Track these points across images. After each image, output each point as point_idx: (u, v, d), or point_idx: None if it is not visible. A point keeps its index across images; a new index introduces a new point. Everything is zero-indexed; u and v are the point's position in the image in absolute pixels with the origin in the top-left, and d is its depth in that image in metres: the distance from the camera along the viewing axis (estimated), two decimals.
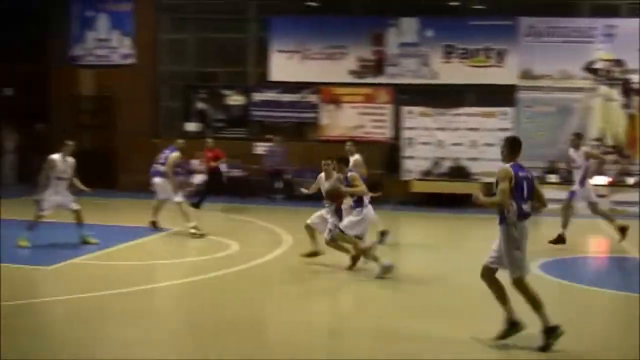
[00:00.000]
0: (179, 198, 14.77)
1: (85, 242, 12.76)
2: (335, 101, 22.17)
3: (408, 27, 22.31)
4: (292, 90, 22.51)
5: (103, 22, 23.74)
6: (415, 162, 21.43)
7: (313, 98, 22.42)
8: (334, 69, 22.61)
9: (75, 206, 12.79)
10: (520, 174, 7.50)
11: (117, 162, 22.59)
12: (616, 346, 7.84)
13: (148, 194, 18.49)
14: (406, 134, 21.62)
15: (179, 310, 9.25)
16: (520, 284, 7.44)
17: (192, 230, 14.12)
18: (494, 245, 7.58)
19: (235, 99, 22.75)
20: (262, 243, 14.04)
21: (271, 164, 20.96)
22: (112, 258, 11.97)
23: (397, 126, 21.82)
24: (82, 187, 13.17)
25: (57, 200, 12.69)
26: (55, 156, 12.66)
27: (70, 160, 12.84)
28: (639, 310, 8.95)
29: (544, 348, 7.34)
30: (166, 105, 23.52)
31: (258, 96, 22.58)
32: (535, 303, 7.41)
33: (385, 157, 21.35)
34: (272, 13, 23.04)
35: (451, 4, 22.01)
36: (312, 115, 22.23)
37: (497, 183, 7.44)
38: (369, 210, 11.19)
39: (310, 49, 22.56)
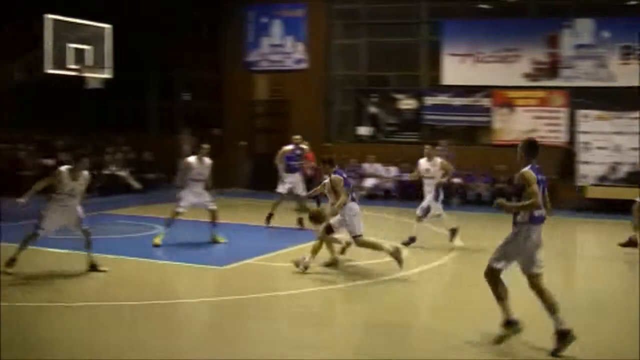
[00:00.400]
0: None
1: (214, 241, 14.89)
2: (509, 105, 24.48)
3: (583, 28, 24.66)
4: (464, 94, 25.60)
5: (277, 28, 26.85)
6: (591, 167, 23.14)
7: (485, 101, 25.28)
8: (507, 72, 25.39)
9: (211, 206, 14.88)
10: (538, 177, 8.19)
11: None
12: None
13: (322, 197, 20.86)
14: (581, 138, 23.49)
15: (349, 313, 10.41)
16: (491, 275, 8.34)
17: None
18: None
19: (407, 103, 25.39)
20: (432, 248, 15.02)
21: None
22: (284, 259, 13.41)
23: (572, 130, 23.45)
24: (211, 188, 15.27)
25: (194, 199, 14.77)
26: (192, 159, 14.85)
27: (207, 162, 14.89)
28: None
29: (500, 340, 8.36)
30: (338, 109, 26.23)
31: (430, 100, 25.51)
32: (499, 297, 8.34)
33: (560, 162, 23.11)
34: (445, 16, 26.34)
35: (628, 3, 23.30)
36: (485, 119, 24.70)
37: (522, 187, 8.14)
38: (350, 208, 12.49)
39: (483, 52, 25.28)
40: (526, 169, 8.21)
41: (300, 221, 17.08)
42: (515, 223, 8.27)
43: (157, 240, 14.43)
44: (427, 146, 15.65)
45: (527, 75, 25.20)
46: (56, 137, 26.75)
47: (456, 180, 23.67)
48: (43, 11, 18.52)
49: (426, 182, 15.35)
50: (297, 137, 18.21)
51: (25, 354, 8.03)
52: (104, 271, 12.13)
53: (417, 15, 26.69)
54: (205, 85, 29.14)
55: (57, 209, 11.89)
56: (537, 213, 8.19)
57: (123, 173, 25.32)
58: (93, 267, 12.17)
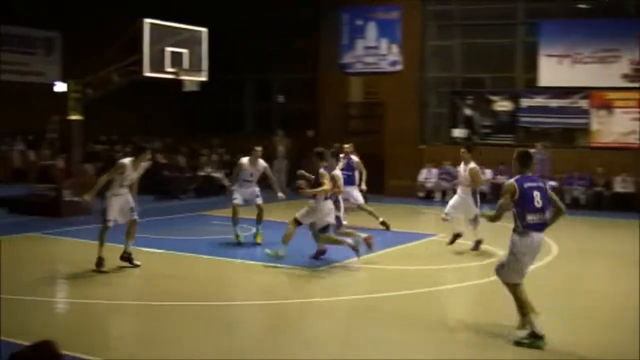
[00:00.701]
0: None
1: (256, 238, 15.42)
2: (607, 106, 24.58)
3: None
4: (561, 96, 25.53)
5: (372, 30, 27.15)
6: None
7: (583, 103, 25.11)
8: (606, 73, 25.12)
9: (259, 201, 15.49)
10: (527, 184, 8.59)
11: (385, 167, 25.25)
12: None
13: (413, 200, 20.97)
14: None
15: (447, 315, 10.47)
16: (509, 287, 8.82)
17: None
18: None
19: (502, 105, 25.50)
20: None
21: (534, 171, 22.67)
22: (382, 262, 13.77)
23: None
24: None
25: (244, 197, 15.51)
26: (244, 160, 15.46)
27: (261, 164, 15.61)
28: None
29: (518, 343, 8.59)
30: (433, 111, 26.29)
31: (525, 102, 25.61)
32: (520, 306, 8.73)
33: None
34: (541, 17, 26.17)
35: None
36: (582, 120, 24.52)
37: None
38: (325, 204, 13.13)
39: (581, 53, 25.30)
40: (511, 180, 8.73)
41: (383, 223, 17.21)
42: (512, 230, 8.74)
43: (259, 239, 15.31)
44: (462, 149, 15.45)
45: (626, 76, 24.91)
46: (152, 139, 27.56)
47: (553, 183, 23.43)
48: (142, 16, 19.02)
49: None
50: (347, 146, 18.34)
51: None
52: (137, 265, 12.73)
53: (513, 16, 26.48)
54: (301, 87, 29.70)
55: (117, 199, 12.50)
56: (530, 220, 8.56)
57: (218, 174, 25.87)
58: (127, 258, 12.77)
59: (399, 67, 27.64)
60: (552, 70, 25.65)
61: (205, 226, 17.96)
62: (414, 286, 11.87)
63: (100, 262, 12.38)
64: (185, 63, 19.75)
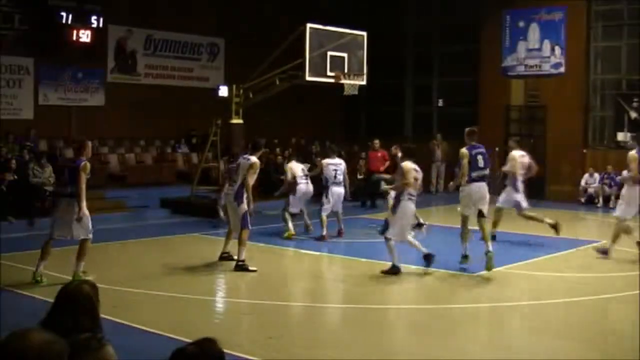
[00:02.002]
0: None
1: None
2: None
3: None
4: None
5: (535, 32, 26.95)
6: None
7: None
8: None
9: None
10: (474, 151, 13.79)
11: (547, 171, 25.10)
12: None
13: (575, 205, 20.79)
14: None
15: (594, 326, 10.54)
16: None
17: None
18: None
19: None
20: None
21: None
22: (539, 268, 14.03)
23: None
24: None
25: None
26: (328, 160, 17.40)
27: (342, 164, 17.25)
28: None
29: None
30: (597, 114, 26.17)
31: None
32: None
33: None
34: None
35: None
36: None
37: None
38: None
39: None
40: (463, 148, 13.90)
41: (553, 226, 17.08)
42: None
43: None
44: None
45: None
46: (311, 142, 28.36)
47: None
48: (302, 20, 19.70)
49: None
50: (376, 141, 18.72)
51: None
52: (234, 260, 13.51)
53: None
54: (461, 90, 30.00)
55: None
56: (475, 175, 13.61)
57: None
58: (228, 256, 13.98)
59: (562, 70, 27.63)
60: None
61: (364, 229, 18.33)
62: (574, 294, 12.03)
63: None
64: (346, 67, 20.24)
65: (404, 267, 13.38)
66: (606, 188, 25.17)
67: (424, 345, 9.21)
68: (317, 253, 15.06)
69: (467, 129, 14.37)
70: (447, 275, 13.24)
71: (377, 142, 24.18)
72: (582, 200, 25.76)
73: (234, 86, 21.49)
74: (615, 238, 14.91)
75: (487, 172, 13.99)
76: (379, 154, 24.10)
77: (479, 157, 13.70)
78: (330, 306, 11.02)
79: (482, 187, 13.71)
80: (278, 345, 8.94)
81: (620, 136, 26.68)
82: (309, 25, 19.84)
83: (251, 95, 21.35)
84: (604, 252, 14.88)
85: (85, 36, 23.59)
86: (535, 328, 10.17)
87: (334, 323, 10.17)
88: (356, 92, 21.33)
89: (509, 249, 16.01)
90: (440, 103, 31.21)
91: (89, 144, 12.88)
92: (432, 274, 13.19)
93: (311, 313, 10.89)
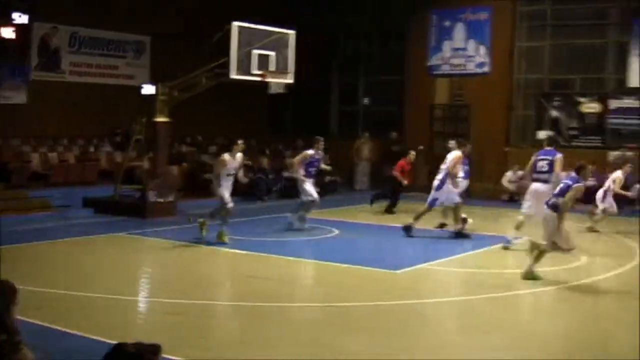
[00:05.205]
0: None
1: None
2: None
3: None
4: None
5: (460, 31, 27.51)
6: None
7: None
8: None
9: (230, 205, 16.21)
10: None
11: (471, 169, 25.51)
12: None
13: (497, 202, 21.28)
14: None
15: (517, 320, 10.78)
16: None
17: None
18: None
19: (590, 107, 25.75)
20: (612, 255, 15.39)
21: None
22: (460, 265, 14.36)
23: None
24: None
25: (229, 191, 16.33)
26: (226, 155, 16.20)
27: (238, 157, 16.42)
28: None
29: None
30: (520, 113, 26.77)
31: (615, 103, 25.46)
32: None
33: None
34: (636, 16, 26.69)
35: None
36: None
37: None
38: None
39: None
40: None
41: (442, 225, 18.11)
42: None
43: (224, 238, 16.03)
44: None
45: None
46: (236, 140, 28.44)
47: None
48: (230, 19, 19.76)
49: None
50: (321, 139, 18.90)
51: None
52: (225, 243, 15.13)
53: (606, 16, 26.96)
54: (387, 89, 30.36)
55: (226, 185, 15.86)
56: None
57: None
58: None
59: (486, 69, 28.32)
60: None
61: (288, 227, 18.48)
62: (491, 290, 12.19)
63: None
64: (272, 65, 20.42)
65: (324, 264, 13.81)
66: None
67: (353, 343, 9.22)
68: (244, 252, 15.13)
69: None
70: (368, 272, 13.41)
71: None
72: (505, 197, 26.32)
73: (160, 84, 21.50)
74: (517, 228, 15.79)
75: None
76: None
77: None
78: (257, 305, 11.05)
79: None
80: (205, 344, 9.01)
81: (541, 135, 27.36)
82: (235, 23, 19.97)
83: (177, 94, 21.36)
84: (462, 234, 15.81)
85: (8, 32, 23.37)
86: (462, 324, 10.43)
87: (261, 321, 10.24)
88: (282, 91, 21.53)
89: (432, 246, 16.60)
90: (366, 102, 31.57)
91: None
92: (355, 271, 13.46)
93: (238, 312, 10.95)
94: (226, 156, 16.10)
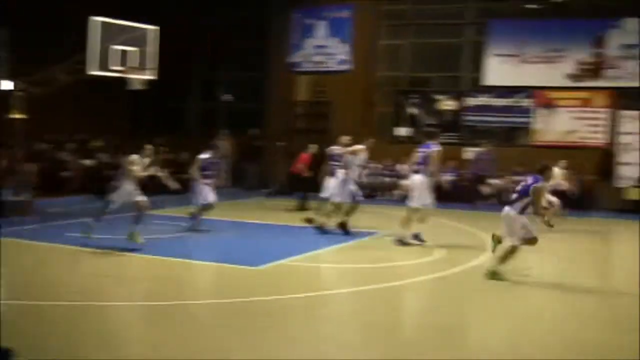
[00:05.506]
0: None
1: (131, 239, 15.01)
2: (550, 105, 25.28)
3: (631, 28, 25.58)
4: (505, 95, 26.74)
5: (322, 29, 27.75)
6: (631, 168, 23.29)
7: (527, 102, 25.60)
8: (551, 73, 26.97)
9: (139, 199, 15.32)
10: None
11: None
12: None
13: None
14: (623, 139, 23.53)
15: (372, 314, 10.52)
16: None
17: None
18: None
19: (447, 104, 26.44)
20: (466, 249, 15.70)
21: (477, 169, 23.64)
22: (319, 260, 14.34)
23: (613, 131, 23.75)
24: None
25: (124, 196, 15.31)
26: (135, 157, 15.45)
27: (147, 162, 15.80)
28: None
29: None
30: (380, 110, 27.11)
31: (471, 101, 26.53)
32: None
33: (599, 163, 23.47)
34: (491, 16, 27.93)
35: None
36: (525, 119, 25.18)
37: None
38: None
39: (528, 53, 25.70)
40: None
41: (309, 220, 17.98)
42: None
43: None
44: None
45: (571, 76, 26.34)
46: (96, 137, 28.06)
47: (495, 181, 24.49)
48: (92, 13, 19.46)
49: None
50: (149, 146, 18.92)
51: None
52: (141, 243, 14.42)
53: (463, 16, 27.69)
54: (248, 86, 30.52)
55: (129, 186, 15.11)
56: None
57: (161, 173, 26.26)
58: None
59: (347, 66, 28.64)
60: (498, 70, 27.36)
61: (147, 225, 18.32)
62: (357, 284, 12.29)
63: None
64: (133, 61, 20.22)
65: (197, 263, 13.82)
66: (386, 180, 26.66)
67: (227, 340, 8.93)
68: (100, 251, 14.89)
69: None
70: (235, 270, 13.23)
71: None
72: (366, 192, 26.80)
73: (17, 80, 20.99)
74: (404, 225, 15.84)
75: None
76: None
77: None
78: (134, 304, 10.87)
79: None
80: (71, 346, 8.55)
81: (399, 131, 28.03)
82: (94, 18, 19.66)
83: (34, 89, 20.91)
84: (402, 241, 15.65)
85: None
86: (310, 320, 10.23)
87: (138, 321, 10.06)
88: (142, 87, 21.28)
89: (291, 242, 16.60)
90: (228, 98, 31.46)
91: None
92: (221, 267, 13.44)
93: (112, 312, 10.72)
94: (135, 157, 15.93)
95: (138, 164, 15.24)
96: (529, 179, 12.60)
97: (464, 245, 16.34)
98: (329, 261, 14.68)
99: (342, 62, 29.08)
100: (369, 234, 17.44)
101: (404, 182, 17.62)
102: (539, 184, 12.44)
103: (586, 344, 9.02)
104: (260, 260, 13.62)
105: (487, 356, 8.51)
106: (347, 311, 10.76)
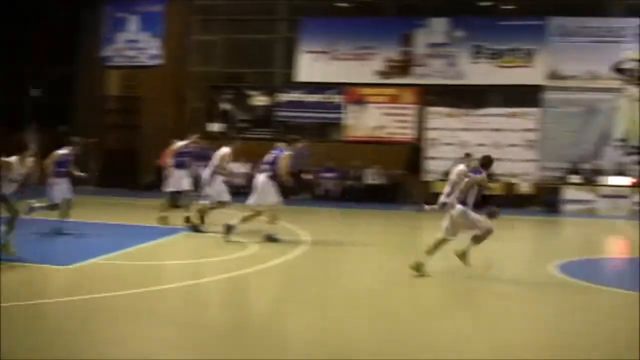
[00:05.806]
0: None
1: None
2: (360, 101, 25.55)
3: (437, 28, 26.36)
4: (317, 91, 27.03)
5: (134, 23, 27.19)
6: (437, 162, 24.11)
7: (338, 98, 25.85)
8: (361, 70, 27.51)
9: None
10: None
11: (141, 161, 25.39)
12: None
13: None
14: (430, 134, 24.08)
15: (185, 311, 10.34)
16: None
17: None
18: None
19: (260, 100, 26.69)
20: (281, 244, 15.55)
21: (291, 165, 23.65)
22: (131, 258, 13.73)
23: (421, 127, 24.14)
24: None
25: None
26: (13, 159, 14.62)
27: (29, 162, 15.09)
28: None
29: None
30: (192, 106, 27.09)
31: (283, 97, 26.36)
32: None
33: (407, 157, 23.97)
34: (303, 14, 28.21)
35: (481, 4, 24.64)
36: (337, 115, 25.48)
37: None
38: None
39: (339, 50, 26.15)
40: None
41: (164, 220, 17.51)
42: None
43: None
44: None
45: (380, 73, 26.94)
46: None
47: (308, 176, 24.58)
48: None
49: None
50: (77, 138, 18.23)
51: None
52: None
53: (275, 12, 27.72)
54: (57, 80, 29.33)
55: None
56: None
57: None
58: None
59: (159, 61, 28.27)
60: (310, 67, 27.60)
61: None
62: (168, 281, 11.89)
63: None
64: None
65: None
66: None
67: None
68: None
69: None
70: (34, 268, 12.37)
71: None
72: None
73: None
74: (245, 220, 15.55)
75: None
76: None
77: None
78: None
79: None
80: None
81: (213, 127, 27.78)
82: None
83: None
84: (272, 238, 15.49)
85: None
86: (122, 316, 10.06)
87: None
88: None
89: (102, 240, 15.99)
90: (36, 92, 30.15)
91: None
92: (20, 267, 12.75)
93: None
94: (13, 159, 14.75)
95: None
96: (472, 174, 12.42)
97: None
98: (141, 259, 13.84)
99: (153, 56, 28.66)
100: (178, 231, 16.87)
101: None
102: (476, 175, 12.15)
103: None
104: (70, 259, 12.84)
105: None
106: (151, 309, 10.16)
